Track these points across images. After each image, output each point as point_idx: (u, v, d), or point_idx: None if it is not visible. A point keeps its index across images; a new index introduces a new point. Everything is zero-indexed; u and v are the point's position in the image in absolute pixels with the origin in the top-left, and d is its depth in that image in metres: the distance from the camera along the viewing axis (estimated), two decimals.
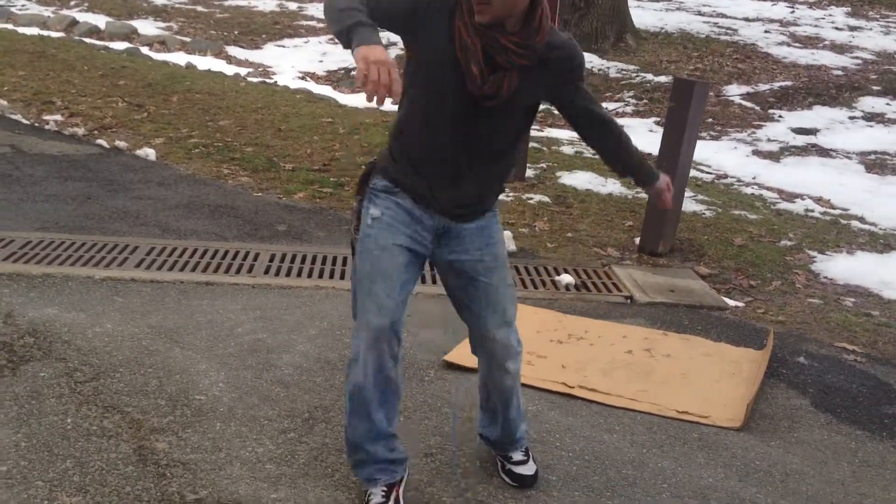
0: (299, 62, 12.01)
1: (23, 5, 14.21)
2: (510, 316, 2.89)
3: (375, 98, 2.18)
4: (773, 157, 8.83)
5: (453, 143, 2.60)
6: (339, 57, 12.26)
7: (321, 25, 14.17)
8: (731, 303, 5.03)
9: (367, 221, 2.70)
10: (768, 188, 7.73)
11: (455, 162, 2.63)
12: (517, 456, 3.13)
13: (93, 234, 5.18)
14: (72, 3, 14.62)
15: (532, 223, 6.00)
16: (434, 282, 4.83)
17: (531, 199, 6.44)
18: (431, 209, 2.69)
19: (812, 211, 7.00)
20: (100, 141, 7.20)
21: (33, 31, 11.84)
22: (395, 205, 2.68)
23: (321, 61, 12.14)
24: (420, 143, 2.64)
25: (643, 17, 14.05)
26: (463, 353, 4.00)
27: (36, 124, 7.54)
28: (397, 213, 2.68)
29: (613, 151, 2.90)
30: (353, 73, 11.49)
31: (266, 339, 4.02)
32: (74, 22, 12.63)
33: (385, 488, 2.83)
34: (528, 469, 3.11)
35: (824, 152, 9.03)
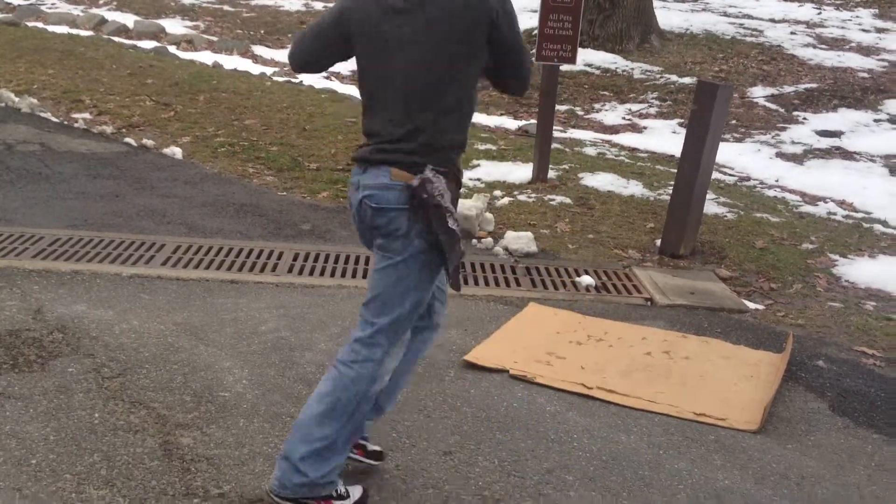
0: None
1: (52, 4, 14.38)
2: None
3: None
4: (797, 159, 8.81)
5: None
6: None
7: None
8: (752, 306, 5.05)
9: None
10: (791, 191, 7.72)
11: None
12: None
13: (121, 232, 5.28)
14: (101, 1, 14.78)
15: (553, 224, 6.03)
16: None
17: (553, 200, 6.47)
18: None
19: (835, 214, 6.99)
20: (128, 139, 7.30)
21: (62, 29, 11.99)
22: None
23: (345, 61, 12.20)
24: None
25: (668, 17, 14.01)
26: (483, 353, 4.06)
27: (65, 122, 7.66)
28: None
29: None
30: None
31: (289, 337, 4.08)
32: (103, 21, 12.78)
33: None
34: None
35: (848, 155, 8.99)
